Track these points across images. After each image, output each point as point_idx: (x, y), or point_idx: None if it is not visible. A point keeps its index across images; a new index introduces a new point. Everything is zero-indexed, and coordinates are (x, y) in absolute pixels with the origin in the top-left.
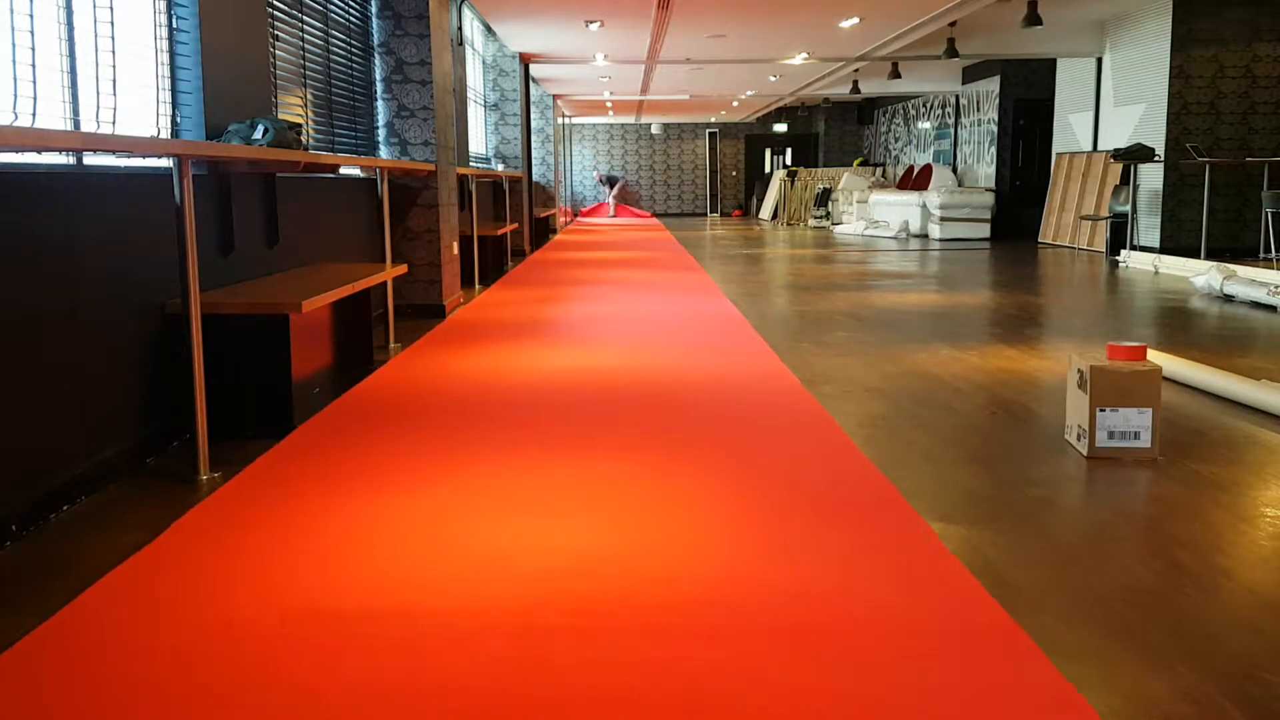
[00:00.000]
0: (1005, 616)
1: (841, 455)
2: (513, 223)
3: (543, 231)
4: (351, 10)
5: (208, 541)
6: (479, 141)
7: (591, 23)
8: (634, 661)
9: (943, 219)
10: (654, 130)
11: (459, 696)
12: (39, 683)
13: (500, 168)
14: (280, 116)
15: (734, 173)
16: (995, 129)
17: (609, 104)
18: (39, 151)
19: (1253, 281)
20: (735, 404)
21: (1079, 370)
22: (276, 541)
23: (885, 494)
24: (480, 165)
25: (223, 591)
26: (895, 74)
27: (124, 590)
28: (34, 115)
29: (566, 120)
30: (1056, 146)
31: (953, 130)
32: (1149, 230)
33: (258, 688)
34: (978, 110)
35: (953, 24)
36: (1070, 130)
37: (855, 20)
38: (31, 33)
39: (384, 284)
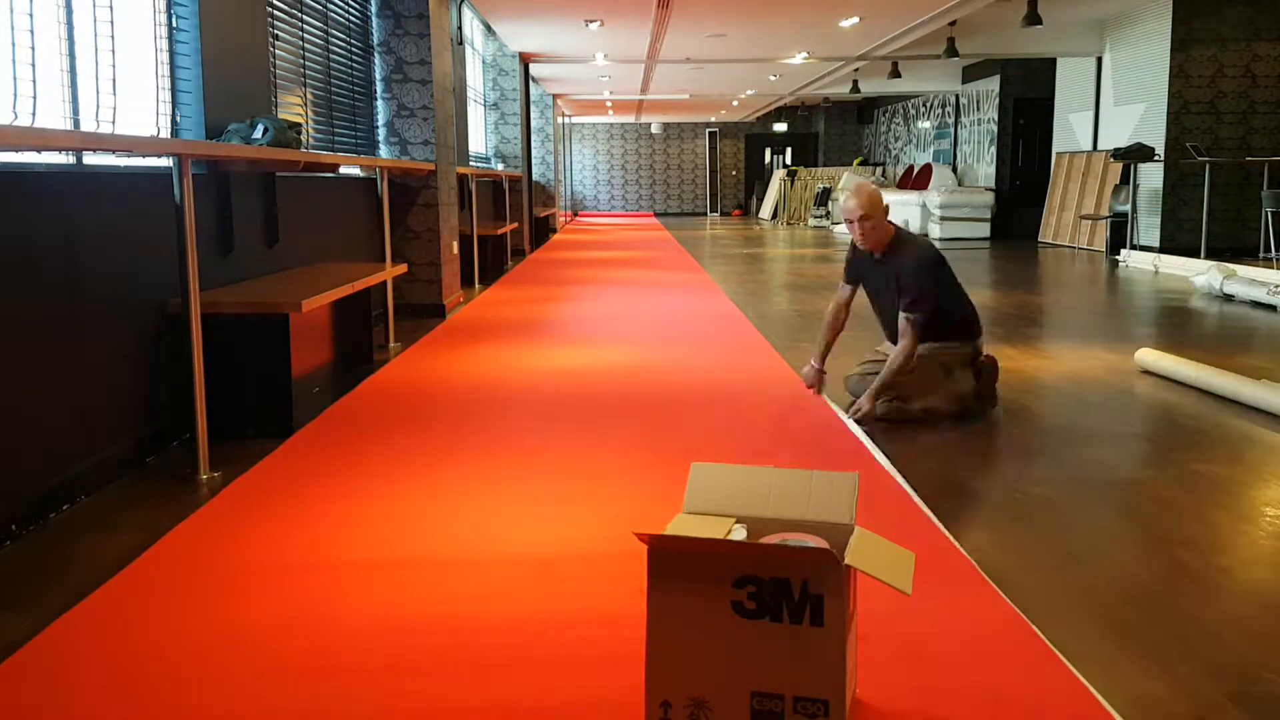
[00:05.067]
0: (1016, 613)
1: (848, 453)
2: (512, 222)
3: (542, 231)
4: (351, 10)
5: (210, 545)
6: (479, 141)
7: (591, 22)
8: (639, 661)
9: (942, 218)
10: (654, 130)
11: (454, 713)
12: (41, 687)
13: (500, 167)
14: (280, 116)
15: (734, 172)
16: (995, 128)
17: (609, 103)
18: (39, 151)
19: (1253, 281)
20: (738, 402)
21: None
22: (278, 546)
23: (898, 498)
24: (480, 165)
25: (225, 596)
26: (895, 73)
27: (127, 594)
28: (34, 115)
29: (566, 120)
30: (1056, 146)
31: (953, 130)
32: (1149, 230)
33: (260, 692)
34: (977, 110)
35: (953, 23)
36: (1070, 130)
37: (855, 20)
38: (31, 32)
39: (384, 283)
